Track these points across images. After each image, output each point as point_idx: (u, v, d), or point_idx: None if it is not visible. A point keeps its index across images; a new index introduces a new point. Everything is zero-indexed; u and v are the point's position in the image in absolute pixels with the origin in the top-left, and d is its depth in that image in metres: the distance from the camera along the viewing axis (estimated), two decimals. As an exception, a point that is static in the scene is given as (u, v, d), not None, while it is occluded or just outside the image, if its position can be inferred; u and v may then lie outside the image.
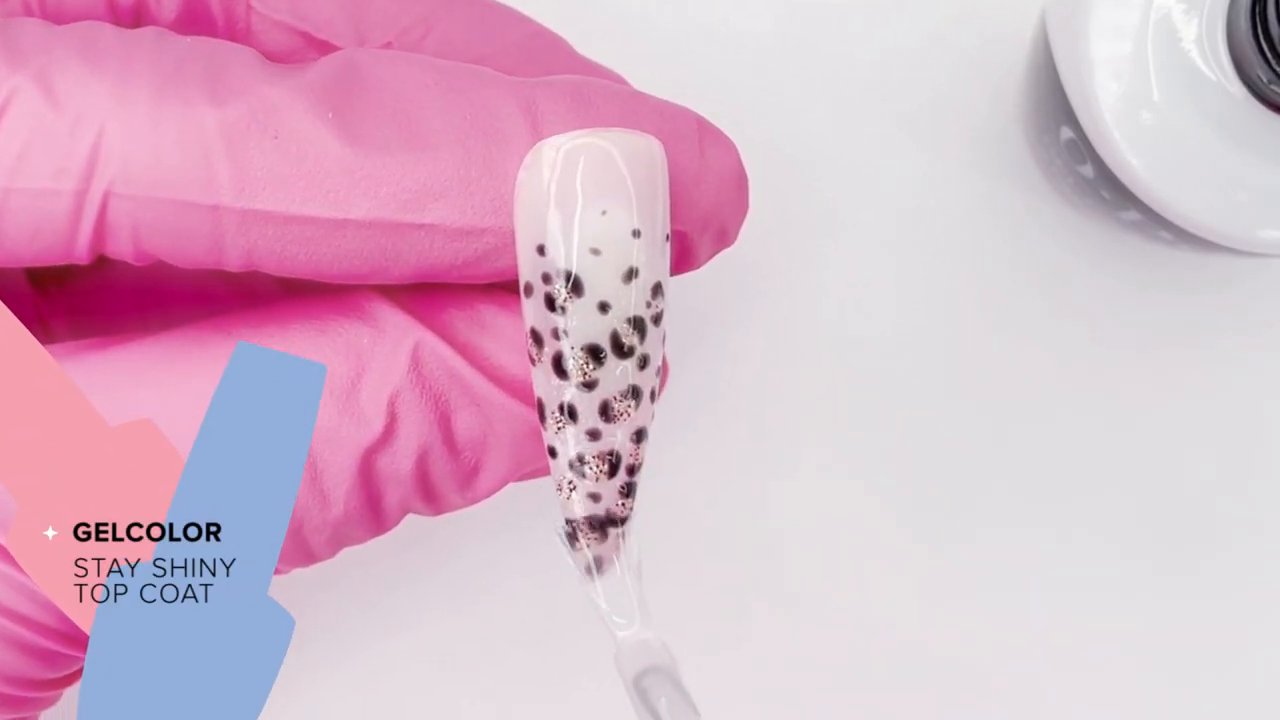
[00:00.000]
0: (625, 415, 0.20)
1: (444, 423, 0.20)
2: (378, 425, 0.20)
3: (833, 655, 0.31)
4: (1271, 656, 0.31)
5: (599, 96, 0.20)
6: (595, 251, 0.19)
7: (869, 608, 0.31)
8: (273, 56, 0.22)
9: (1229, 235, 0.25)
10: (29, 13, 0.21)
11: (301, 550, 0.21)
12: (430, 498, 0.21)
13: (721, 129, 0.21)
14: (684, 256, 0.21)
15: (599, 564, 0.20)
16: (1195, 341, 0.31)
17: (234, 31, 0.22)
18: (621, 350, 0.19)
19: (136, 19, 0.22)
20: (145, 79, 0.19)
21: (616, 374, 0.19)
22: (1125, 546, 0.31)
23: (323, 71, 0.20)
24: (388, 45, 0.22)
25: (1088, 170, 0.27)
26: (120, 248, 0.20)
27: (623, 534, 0.20)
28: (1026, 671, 0.31)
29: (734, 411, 0.31)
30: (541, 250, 0.19)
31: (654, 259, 0.19)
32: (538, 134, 0.19)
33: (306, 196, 0.19)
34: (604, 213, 0.19)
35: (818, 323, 0.31)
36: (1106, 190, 0.27)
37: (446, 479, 0.21)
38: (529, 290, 0.20)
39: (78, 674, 0.23)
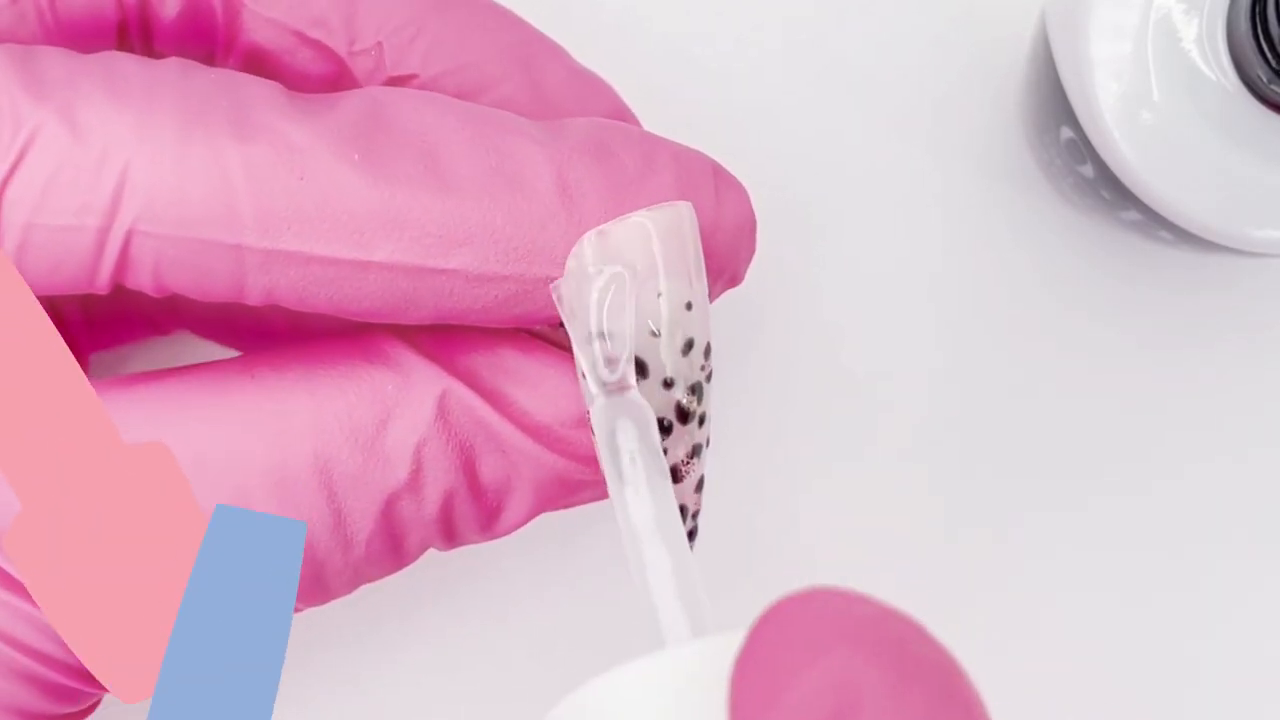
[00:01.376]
0: (690, 473, 0.20)
1: (469, 469, 0.21)
2: (403, 472, 0.20)
3: None
4: (1275, 655, 0.31)
5: (619, 145, 0.20)
6: (655, 333, 0.19)
7: None
8: (264, 54, 0.22)
9: (1229, 235, 0.25)
10: (39, 14, 0.21)
11: (320, 590, 0.21)
12: (450, 537, 0.22)
13: (732, 173, 0.21)
14: None
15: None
16: (1195, 341, 0.31)
17: (231, 29, 0.22)
18: (685, 418, 0.20)
19: (141, 14, 0.22)
20: (170, 116, 0.19)
21: (682, 440, 0.20)
22: (1125, 545, 0.31)
23: (349, 111, 0.20)
24: (378, 46, 0.22)
25: (1088, 170, 0.27)
26: (140, 281, 0.20)
27: None
28: (1034, 671, 0.31)
29: (733, 411, 0.30)
30: (602, 336, 0.19)
31: (703, 323, 0.20)
32: (563, 185, 0.20)
33: (330, 238, 0.19)
34: (660, 295, 0.19)
35: (815, 324, 0.31)
36: (1106, 190, 0.27)
37: (468, 520, 0.21)
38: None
39: (91, 708, 0.23)
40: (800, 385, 0.31)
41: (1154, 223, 0.26)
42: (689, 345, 0.20)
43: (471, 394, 0.20)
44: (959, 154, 0.31)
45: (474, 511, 0.21)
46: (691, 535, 0.21)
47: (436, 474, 0.21)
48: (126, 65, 0.20)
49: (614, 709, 0.15)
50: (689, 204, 0.20)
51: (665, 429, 0.20)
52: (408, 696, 0.30)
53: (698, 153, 0.21)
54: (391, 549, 0.21)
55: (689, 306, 0.20)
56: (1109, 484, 0.31)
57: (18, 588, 0.20)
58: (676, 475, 0.20)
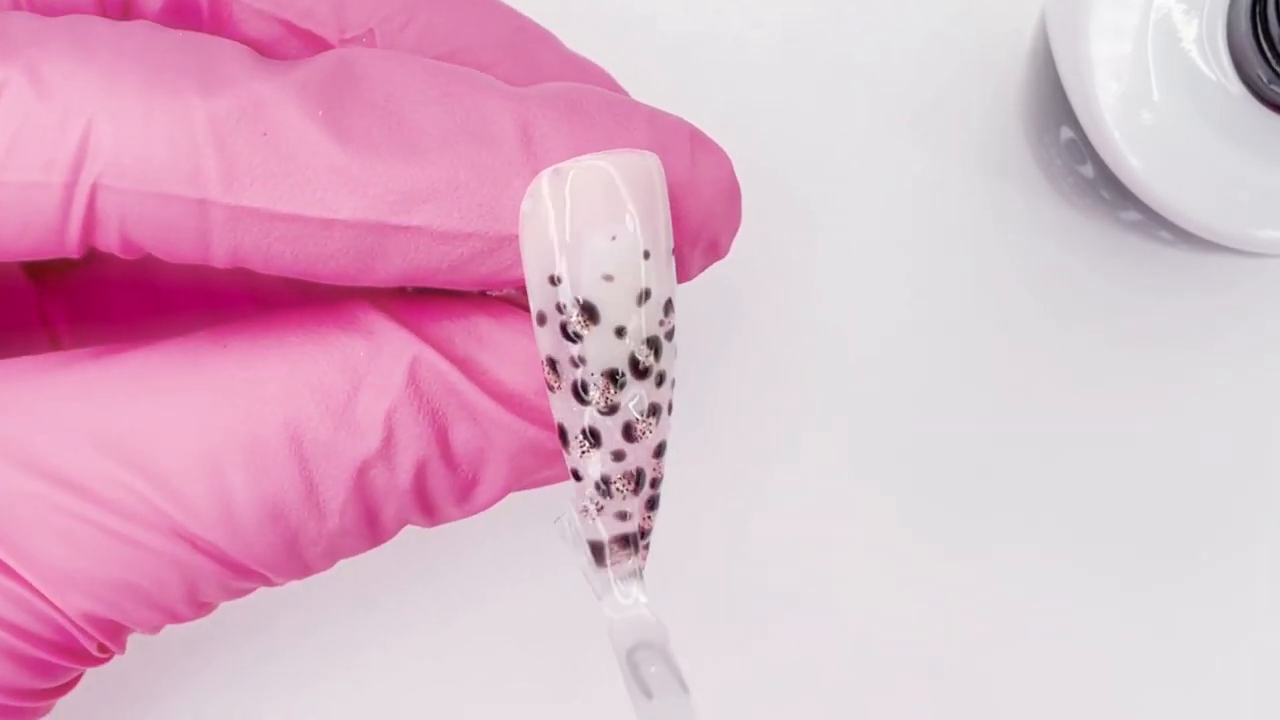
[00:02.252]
0: (647, 433, 0.20)
1: (441, 437, 0.20)
2: (374, 440, 0.20)
3: (834, 657, 0.31)
4: (1275, 658, 0.31)
5: (592, 105, 0.20)
6: (608, 278, 0.19)
7: (871, 610, 0.31)
8: (254, 46, 0.22)
9: (1228, 235, 0.25)
10: (17, 6, 0.21)
11: (296, 562, 0.21)
12: (427, 510, 0.21)
13: (714, 139, 0.21)
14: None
15: (635, 575, 0.21)
16: (1195, 341, 0.31)
17: (218, 20, 0.22)
18: (640, 372, 0.19)
19: (125, 8, 0.22)
20: (135, 72, 0.19)
21: (637, 395, 0.20)
22: (1125, 547, 0.31)
23: (315, 69, 0.20)
24: (369, 34, 0.22)
25: (1088, 170, 0.27)
26: (108, 240, 0.20)
27: (649, 545, 0.21)
28: (1027, 673, 0.31)
29: (733, 412, 0.31)
30: (553, 280, 0.19)
31: (664, 276, 0.19)
32: (528, 140, 0.19)
33: (294, 194, 0.19)
34: (614, 238, 0.19)
35: (815, 324, 0.31)
36: (1106, 190, 0.27)
37: (444, 493, 0.21)
38: (542, 319, 0.20)
39: (72, 684, 0.23)
40: (798, 384, 0.31)
41: (1154, 223, 0.26)
42: (644, 295, 0.19)
43: (443, 360, 0.20)
44: (958, 153, 0.31)
45: (449, 483, 0.21)
46: (653, 504, 0.20)
47: (408, 442, 0.20)
48: (93, 25, 0.20)
49: None
50: (655, 155, 0.19)
51: (618, 381, 0.19)
52: (396, 685, 0.30)
53: (675, 117, 0.21)
54: (367, 521, 0.21)
55: (646, 255, 0.19)
56: (1109, 483, 0.31)
57: None
58: (631, 434, 0.20)
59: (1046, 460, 0.31)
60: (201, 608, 0.21)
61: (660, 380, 0.20)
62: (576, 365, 0.19)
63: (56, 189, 0.19)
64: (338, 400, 0.20)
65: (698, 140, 0.21)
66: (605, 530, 0.20)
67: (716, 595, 0.31)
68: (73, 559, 0.20)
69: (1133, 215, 0.27)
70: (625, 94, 0.23)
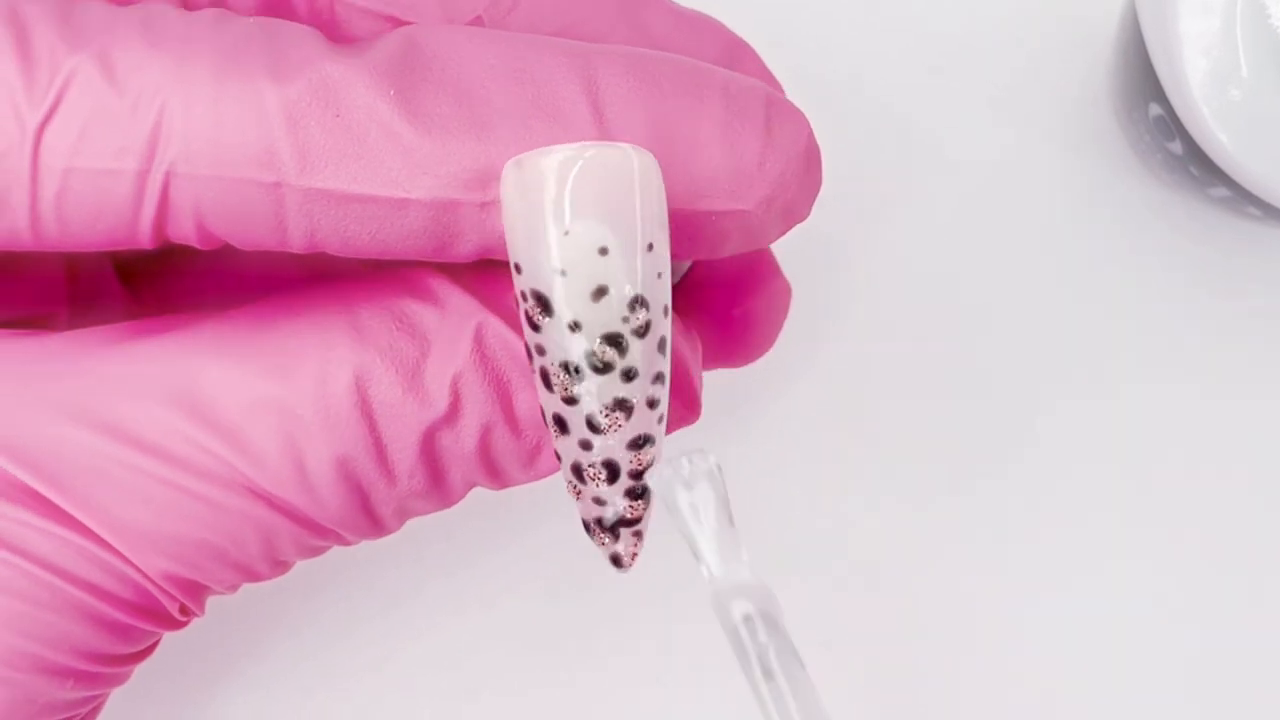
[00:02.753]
0: (615, 427, 0.20)
1: (506, 403, 0.20)
2: (441, 404, 0.20)
3: (863, 649, 0.30)
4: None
5: (665, 74, 0.20)
6: (561, 272, 0.19)
7: (924, 595, 0.30)
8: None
9: (1318, 211, 0.25)
10: None
11: (369, 521, 0.21)
12: (494, 474, 0.21)
13: (794, 103, 0.21)
14: (750, 235, 0.21)
15: (618, 561, 0.21)
16: (1285, 318, 0.31)
17: (318, 23, 0.22)
18: (598, 367, 0.19)
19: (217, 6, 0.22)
20: (206, 56, 0.19)
21: (596, 389, 0.19)
22: (1206, 535, 0.31)
23: (385, 49, 0.20)
24: (477, 20, 0.22)
25: (1176, 147, 0.27)
26: (183, 229, 0.20)
27: (640, 533, 0.21)
28: (1075, 671, 0.31)
29: (811, 384, 0.31)
30: (517, 269, 0.19)
31: (629, 273, 0.19)
32: (599, 113, 0.19)
33: (368, 175, 0.19)
34: (566, 233, 0.19)
35: (900, 299, 0.31)
36: (1195, 167, 0.27)
37: (509, 457, 0.21)
38: (517, 305, 0.20)
39: (150, 650, 0.23)
40: (882, 355, 0.31)
41: (1242, 199, 0.26)
42: (600, 291, 0.19)
43: (507, 328, 0.20)
44: (1047, 130, 0.31)
45: (514, 447, 0.21)
46: (636, 494, 0.20)
47: (473, 407, 0.20)
48: (164, 12, 0.20)
49: None
50: (642, 153, 0.19)
51: (574, 374, 0.19)
52: (402, 688, 0.30)
53: (752, 82, 0.20)
54: (435, 483, 0.21)
55: (604, 251, 0.19)
56: (1194, 462, 0.31)
57: (72, 523, 0.20)
58: (595, 426, 0.19)
59: (1131, 435, 0.31)
60: (279, 566, 0.22)
61: (629, 376, 0.19)
62: (540, 354, 0.19)
63: (129, 176, 0.19)
64: (406, 365, 0.20)
65: (774, 105, 0.20)
66: (584, 513, 0.21)
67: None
68: (153, 520, 0.20)
69: (1221, 191, 0.27)
70: (739, 41, 0.23)
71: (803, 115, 0.21)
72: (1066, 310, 0.31)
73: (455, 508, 0.22)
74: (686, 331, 0.23)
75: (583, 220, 0.19)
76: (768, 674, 0.18)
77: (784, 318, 0.26)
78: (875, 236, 0.31)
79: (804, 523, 0.30)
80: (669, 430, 0.22)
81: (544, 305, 0.19)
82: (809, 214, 0.21)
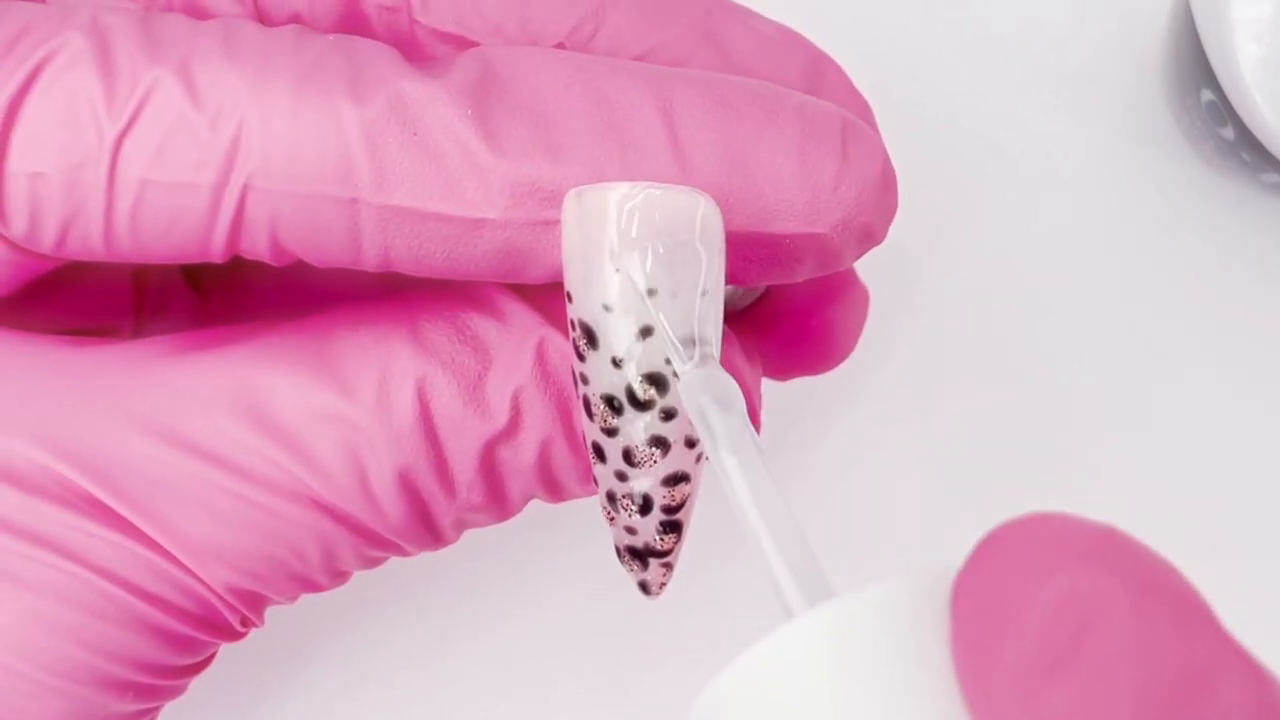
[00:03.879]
0: (651, 462, 0.19)
1: (566, 419, 0.21)
2: (502, 418, 0.20)
3: None
4: None
5: (740, 98, 0.20)
6: (607, 308, 0.19)
7: None
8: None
9: (1372, 196, 0.25)
10: (170, 8, 0.21)
11: (429, 533, 0.21)
12: (552, 489, 0.21)
13: (868, 127, 0.21)
14: (826, 259, 0.21)
15: (646, 588, 0.21)
16: (1338, 303, 0.31)
17: (397, 44, 0.22)
18: (639, 404, 0.19)
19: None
20: (286, 72, 0.19)
21: (636, 425, 0.19)
22: (1259, 529, 0.31)
23: (462, 70, 0.20)
24: (560, 47, 0.22)
25: (1228, 133, 0.27)
26: (257, 244, 0.20)
27: (669, 565, 0.21)
28: None
29: (865, 377, 0.31)
30: (570, 298, 0.19)
31: (680, 318, 0.19)
32: (674, 137, 0.19)
33: (444, 194, 0.19)
34: (617, 271, 0.19)
35: (957, 290, 0.31)
36: (1247, 152, 0.27)
37: (567, 472, 0.21)
38: (569, 329, 0.20)
39: (207, 661, 0.23)
40: (939, 350, 0.31)
41: (1295, 184, 0.26)
42: (645, 331, 0.19)
43: (569, 344, 0.20)
44: (1099, 117, 0.31)
45: (573, 463, 0.21)
46: (669, 528, 0.20)
47: (533, 422, 0.20)
48: (243, 27, 0.20)
49: (778, 674, 0.14)
50: (706, 202, 0.19)
51: (615, 407, 0.19)
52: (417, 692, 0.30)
53: (828, 106, 0.20)
54: (494, 496, 0.21)
55: (651, 293, 0.19)
56: (1244, 453, 0.31)
57: (136, 533, 0.20)
58: (632, 459, 0.19)
59: (1184, 424, 0.31)
60: (339, 576, 0.22)
61: (668, 415, 0.19)
62: (584, 383, 0.19)
63: (206, 189, 0.19)
64: (468, 378, 0.20)
65: (850, 130, 0.20)
66: (616, 538, 0.21)
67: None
68: (215, 531, 0.20)
69: (1273, 177, 0.27)
70: (822, 55, 0.23)
71: (878, 138, 0.21)
72: (1121, 296, 0.31)
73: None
74: (748, 353, 0.23)
75: (635, 259, 0.19)
76: (729, 451, 0.18)
77: (863, 324, 0.26)
78: (933, 231, 0.31)
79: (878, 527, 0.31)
80: None
81: (590, 337, 0.19)
82: (885, 237, 0.21)
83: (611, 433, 0.19)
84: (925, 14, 0.31)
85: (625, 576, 0.21)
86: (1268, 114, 0.25)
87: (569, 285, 0.19)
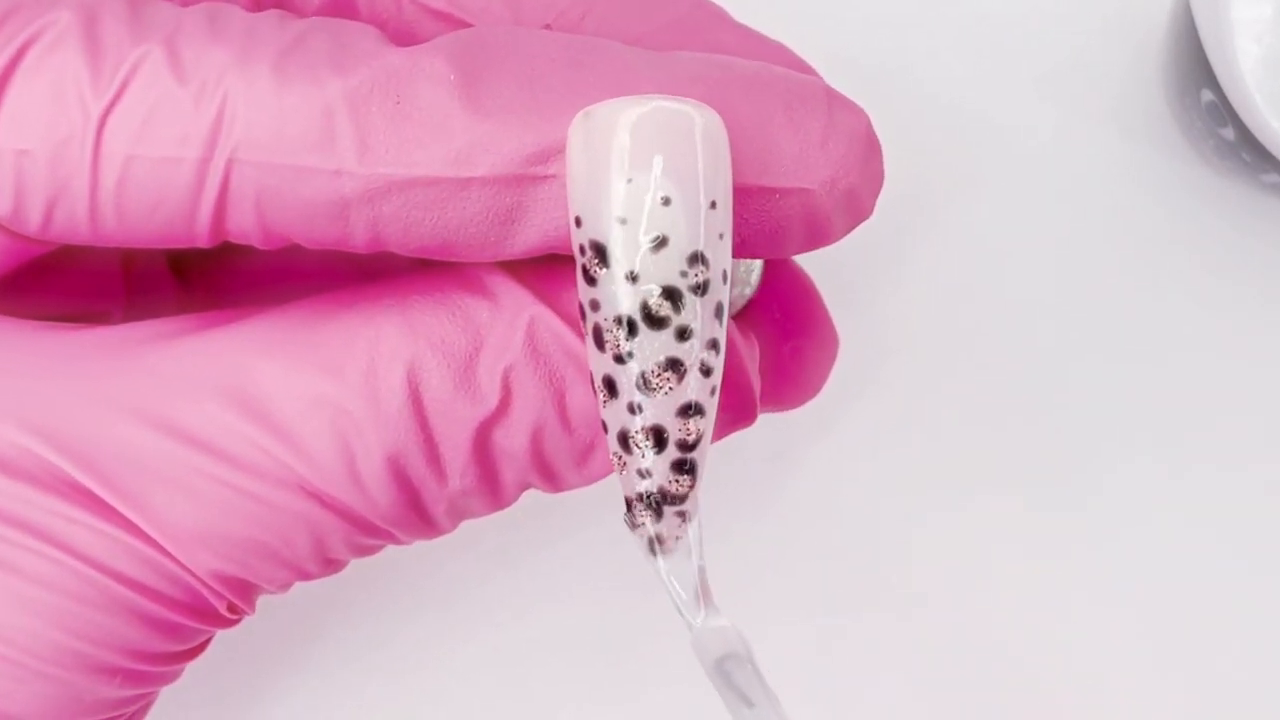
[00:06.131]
0: (665, 388, 0.19)
1: (558, 399, 0.20)
2: (493, 400, 0.20)
3: (955, 653, 0.31)
4: None
5: (729, 64, 0.20)
6: (621, 220, 0.18)
7: (1005, 603, 0.31)
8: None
9: (1371, 197, 0.25)
10: None
11: (422, 521, 0.21)
12: (547, 475, 0.21)
13: (851, 99, 0.21)
14: (815, 225, 0.21)
15: (660, 542, 0.20)
16: (1338, 305, 0.31)
17: (386, 24, 0.22)
18: (654, 320, 0.19)
19: (281, 8, 0.22)
20: (269, 48, 0.19)
21: (652, 346, 0.19)
22: (1259, 530, 0.31)
23: (447, 41, 0.20)
24: (546, 29, 0.21)
25: (1228, 133, 0.27)
26: (244, 223, 0.20)
27: (684, 514, 0.20)
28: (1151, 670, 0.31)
29: (863, 376, 0.31)
30: (577, 221, 0.19)
31: (690, 227, 0.19)
32: (664, 93, 0.19)
33: (429, 156, 0.19)
34: (629, 181, 0.18)
35: (945, 284, 0.31)
36: (1247, 153, 0.27)
37: (562, 456, 0.21)
38: (575, 263, 0.19)
39: (201, 648, 0.23)
40: (932, 344, 0.31)
41: (1295, 185, 0.26)
42: (660, 242, 0.19)
43: (560, 322, 0.20)
44: (1099, 116, 0.31)
45: (567, 445, 0.21)
46: (683, 468, 0.20)
47: (525, 403, 0.20)
48: (228, 10, 0.20)
49: None
50: (708, 111, 0.19)
51: (630, 328, 0.19)
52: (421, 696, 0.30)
53: (811, 78, 0.20)
54: (487, 482, 0.21)
55: (666, 201, 0.18)
56: (1251, 453, 0.31)
57: (121, 520, 0.20)
58: (648, 385, 0.19)
59: (1187, 423, 0.31)
60: (330, 564, 0.21)
61: (683, 335, 0.19)
62: (594, 310, 0.19)
63: (191, 164, 0.19)
64: (459, 359, 0.20)
65: (835, 96, 0.20)
66: (626, 488, 0.20)
67: (830, 591, 0.31)
68: (201, 517, 0.20)
69: (1273, 178, 0.27)
70: (805, 65, 0.23)
71: (861, 111, 0.21)
72: (1115, 296, 0.31)
73: (510, 509, 0.22)
74: (744, 335, 0.22)
75: (646, 169, 0.18)
76: (748, 702, 0.19)
77: (831, 365, 0.26)
78: (926, 220, 0.31)
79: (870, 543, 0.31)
80: (725, 432, 0.22)
81: (601, 256, 0.19)
82: (873, 210, 0.21)
83: (624, 358, 0.19)
84: (925, 13, 0.31)
85: (633, 541, 0.20)
86: (1268, 114, 0.25)
87: (576, 209, 0.19)
